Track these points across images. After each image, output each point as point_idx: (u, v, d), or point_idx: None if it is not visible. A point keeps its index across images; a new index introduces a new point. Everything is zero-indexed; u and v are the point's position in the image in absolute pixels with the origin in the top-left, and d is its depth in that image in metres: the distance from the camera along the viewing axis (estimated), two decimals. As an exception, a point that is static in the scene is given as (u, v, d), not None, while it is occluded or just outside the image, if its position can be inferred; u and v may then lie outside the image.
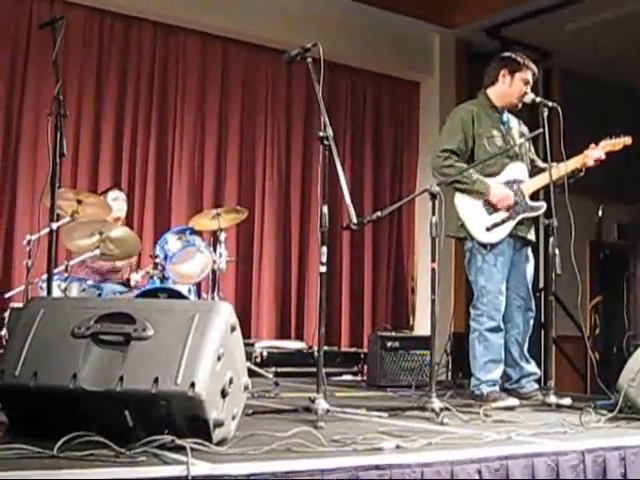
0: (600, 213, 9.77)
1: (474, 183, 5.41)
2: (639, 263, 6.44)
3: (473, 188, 5.42)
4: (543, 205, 5.49)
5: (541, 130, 5.35)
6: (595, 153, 5.50)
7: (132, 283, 7.16)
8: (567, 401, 5.03)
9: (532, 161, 5.77)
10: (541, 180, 5.50)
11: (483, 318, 5.40)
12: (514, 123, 5.78)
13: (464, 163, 5.46)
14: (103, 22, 8.53)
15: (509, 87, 5.62)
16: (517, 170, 5.57)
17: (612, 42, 10.18)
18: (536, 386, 5.60)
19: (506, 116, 5.72)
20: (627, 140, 5.55)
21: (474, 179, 5.40)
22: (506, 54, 5.76)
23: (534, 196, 5.59)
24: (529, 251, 5.70)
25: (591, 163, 5.50)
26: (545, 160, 5.43)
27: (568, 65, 11.17)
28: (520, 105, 5.64)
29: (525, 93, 5.57)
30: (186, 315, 3.05)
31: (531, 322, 5.69)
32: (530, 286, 5.68)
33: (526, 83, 5.59)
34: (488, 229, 5.42)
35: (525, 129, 5.82)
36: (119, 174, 8.47)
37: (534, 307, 5.71)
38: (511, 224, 5.45)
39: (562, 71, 11.29)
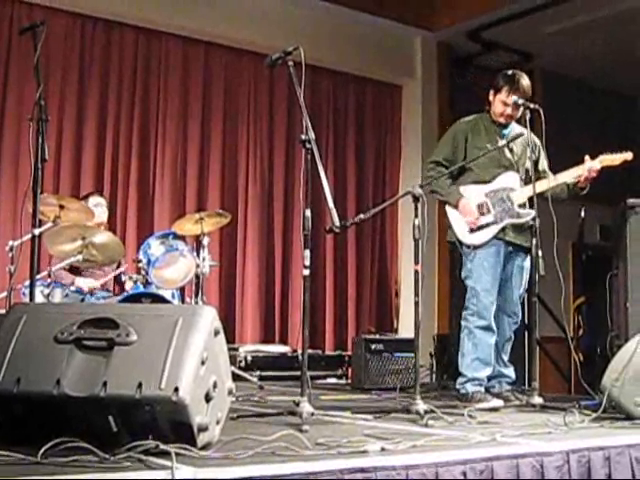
0: (582, 214, 9.81)
1: (448, 195, 5.61)
2: (622, 264, 6.46)
3: (447, 199, 5.63)
4: (531, 212, 5.46)
5: (522, 133, 5.37)
6: (589, 164, 5.45)
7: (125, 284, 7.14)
8: (539, 400, 5.06)
9: (543, 172, 5.73)
10: (531, 189, 5.46)
11: (473, 317, 5.47)
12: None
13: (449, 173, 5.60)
14: (84, 27, 8.51)
15: (492, 106, 5.68)
16: (508, 179, 5.60)
17: (593, 44, 10.24)
18: (507, 387, 5.62)
19: (510, 128, 5.74)
20: (627, 155, 5.47)
21: (449, 191, 5.61)
22: (502, 73, 5.71)
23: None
24: (525, 259, 5.65)
25: (593, 174, 5.47)
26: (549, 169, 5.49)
27: (550, 67, 11.21)
28: (506, 120, 5.67)
29: (502, 114, 5.63)
30: (169, 320, 3.04)
31: (514, 327, 5.72)
32: (520, 292, 5.69)
33: (505, 105, 5.60)
34: (471, 231, 5.49)
35: (536, 139, 5.76)
36: (101, 179, 8.45)
37: (520, 313, 5.73)
38: (496, 227, 5.50)
39: (544, 73, 11.32)
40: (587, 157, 5.50)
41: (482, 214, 5.51)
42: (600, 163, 5.47)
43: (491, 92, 5.69)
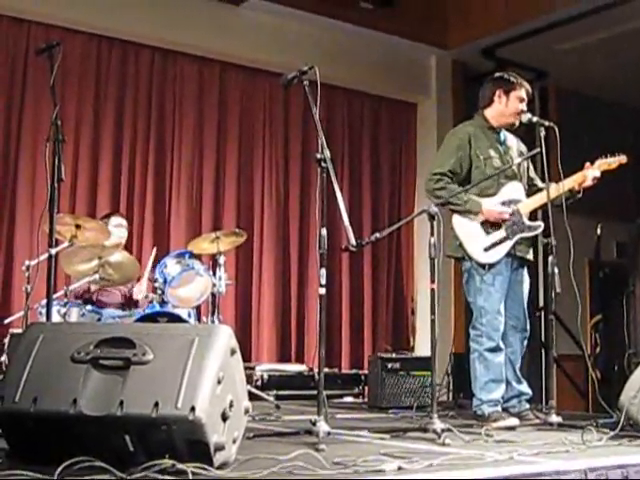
0: (599, 232, 9.77)
1: (466, 203, 5.41)
2: (638, 281, 6.44)
3: (465, 208, 5.42)
4: (540, 225, 5.46)
5: (538, 150, 5.36)
6: (591, 172, 5.50)
7: (137, 297, 7.13)
8: (557, 419, 5.02)
9: (531, 179, 5.77)
10: (538, 199, 5.48)
11: (482, 338, 5.38)
12: (512, 142, 5.77)
13: (457, 184, 5.48)
14: (100, 47, 8.56)
15: (505, 107, 5.62)
16: (514, 190, 5.54)
17: (607, 61, 10.22)
18: (527, 405, 5.57)
19: (504, 135, 5.72)
20: (622, 159, 5.54)
21: (465, 199, 5.41)
22: (498, 74, 5.77)
23: (532, 216, 5.58)
24: (525, 271, 5.66)
25: (589, 182, 5.49)
26: (544, 179, 5.44)
27: (564, 84, 11.20)
28: (517, 123, 5.65)
29: (522, 111, 5.59)
30: (186, 339, 3.05)
31: (525, 342, 5.65)
32: (525, 306, 5.65)
33: (521, 101, 5.61)
34: (486, 249, 5.40)
35: (524, 148, 5.81)
36: (118, 198, 8.48)
37: (529, 327, 5.66)
38: (509, 244, 5.42)
39: (558, 90, 11.32)
40: (587, 164, 5.52)
41: (493, 230, 5.46)
42: (598, 168, 5.50)
43: (500, 93, 5.63)
